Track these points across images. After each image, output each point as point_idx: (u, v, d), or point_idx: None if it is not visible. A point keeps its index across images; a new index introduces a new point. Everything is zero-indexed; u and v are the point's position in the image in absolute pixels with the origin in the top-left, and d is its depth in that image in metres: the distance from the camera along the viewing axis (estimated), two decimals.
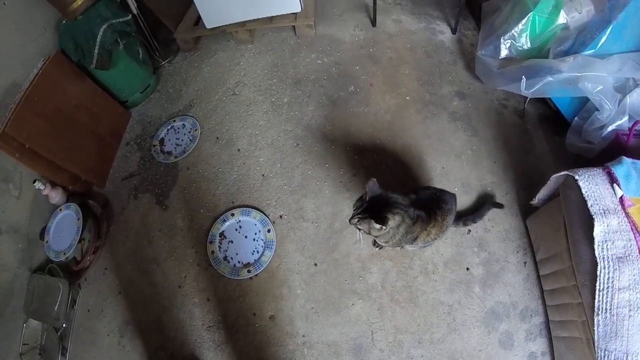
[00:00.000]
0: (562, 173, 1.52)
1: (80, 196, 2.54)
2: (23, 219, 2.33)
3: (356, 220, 1.55)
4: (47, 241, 2.29)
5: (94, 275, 2.33)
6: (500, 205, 2.11)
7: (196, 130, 2.74)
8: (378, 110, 2.59)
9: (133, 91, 2.94)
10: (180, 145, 2.71)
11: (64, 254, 2.20)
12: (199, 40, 3.32)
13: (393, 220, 1.51)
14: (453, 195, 1.79)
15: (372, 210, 1.53)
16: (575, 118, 2.16)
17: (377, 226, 1.47)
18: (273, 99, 2.78)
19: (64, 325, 2.12)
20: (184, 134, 2.76)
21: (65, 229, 2.31)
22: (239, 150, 2.58)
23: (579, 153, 2.12)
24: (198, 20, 3.18)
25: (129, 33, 2.68)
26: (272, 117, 2.69)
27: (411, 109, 2.58)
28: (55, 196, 2.39)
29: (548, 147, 2.32)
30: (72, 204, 2.36)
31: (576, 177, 1.42)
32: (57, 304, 2.11)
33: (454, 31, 3.01)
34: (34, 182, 2.28)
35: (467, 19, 3.09)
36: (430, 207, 1.67)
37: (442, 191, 1.76)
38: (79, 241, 2.25)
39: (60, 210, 2.37)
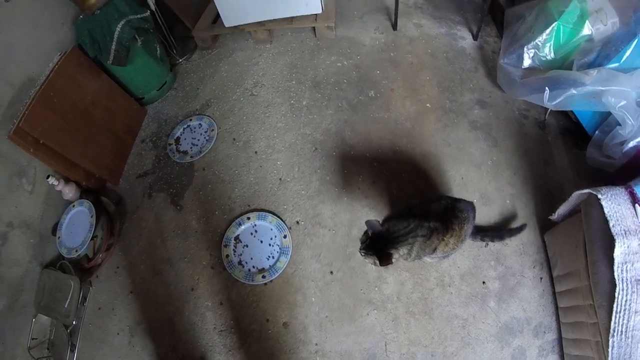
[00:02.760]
0: (585, 191, 1.55)
1: (93, 193, 2.59)
2: (36, 214, 2.37)
3: (362, 253, 1.62)
4: (59, 237, 2.34)
5: (105, 272, 2.38)
6: (521, 230, 2.11)
7: (213, 130, 2.79)
8: (398, 116, 2.62)
9: (150, 88, 2.99)
10: (197, 145, 2.76)
11: (76, 250, 2.25)
12: (217, 39, 3.37)
13: (398, 254, 1.58)
14: (470, 204, 1.81)
15: (376, 246, 1.58)
16: (597, 132, 2.17)
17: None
18: (292, 102, 2.82)
19: (73, 322, 2.17)
20: (201, 134, 2.81)
21: (78, 226, 2.36)
22: (256, 152, 2.62)
23: (599, 167, 2.13)
24: (216, 18, 3.23)
25: (146, 29, 2.73)
26: (290, 119, 2.73)
27: (431, 116, 2.61)
28: (69, 192, 2.44)
29: (568, 160, 2.34)
30: (85, 200, 2.41)
31: (599, 196, 1.44)
32: (68, 300, 2.16)
33: (475, 37, 3.03)
34: (48, 177, 2.33)
35: (489, 25, 3.12)
36: (446, 217, 1.70)
37: (457, 200, 1.79)
38: (92, 238, 2.29)
39: (74, 206, 2.42)
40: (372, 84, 2.82)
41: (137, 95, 2.97)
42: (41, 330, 2.20)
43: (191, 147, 2.76)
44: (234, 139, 2.72)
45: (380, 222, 1.66)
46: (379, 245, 1.60)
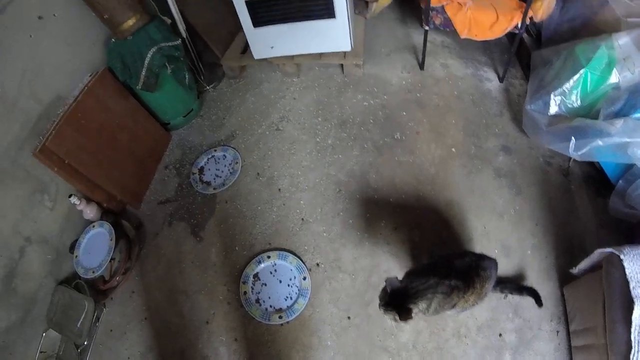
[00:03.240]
0: (608, 250, 1.54)
1: (114, 214, 2.62)
2: (55, 231, 2.40)
3: (382, 310, 1.63)
4: (76, 255, 2.36)
5: (120, 295, 2.39)
6: (538, 299, 2.08)
7: (237, 163, 2.81)
8: (423, 161, 2.63)
9: (176, 114, 3.03)
10: (220, 177, 2.78)
11: (93, 272, 2.27)
12: (244, 68, 3.41)
13: (417, 308, 1.58)
14: (493, 261, 1.80)
15: (395, 302, 1.59)
16: (620, 181, 2.16)
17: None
18: (317, 139, 2.85)
19: (85, 342, 2.18)
20: (225, 166, 2.83)
21: (96, 246, 2.38)
22: (279, 190, 2.64)
23: (622, 218, 2.11)
24: (246, 47, 3.28)
25: (177, 57, 2.76)
26: (315, 158, 2.75)
27: (456, 161, 2.61)
28: (90, 212, 2.46)
29: (591, 209, 2.32)
30: (105, 222, 2.43)
31: (621, 257, 1.44)
32: (81, 321, 2.18)
33: (501, 79, 3.05)
34: (70, 196, 2.35)
35: (515, 66, 3.13)
36: (468, 274, 1.69)
37: (481, 258, 1.78)
38: (109, 261, 2.31)
39: (93, 226, 2.45)
40: (398, 125, 2.84)
41: (163, 120, 3.01)
42: (50, 345, 2.21)
43: (214, 179, 2.78)
44: (258, 174, 2.75)
45: (403, 275, 1.68)
46: (398, 301, 1.60)
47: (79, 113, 2.34)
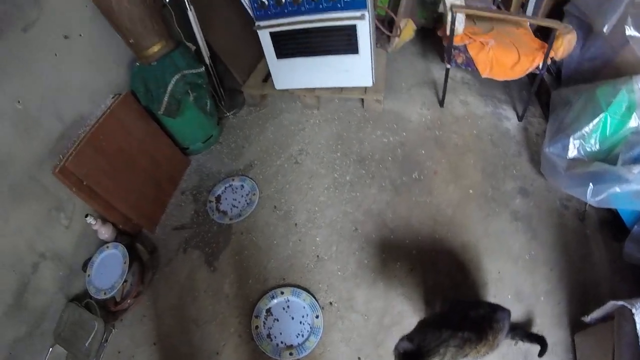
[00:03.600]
0: (620, 303, 1.53)
1: (129, 236, 2.64)
2: (69, 249, 2.42)
3: None
4: (89, 274, 2.38)
5: (131, 318, 2.40)
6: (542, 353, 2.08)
7: (254, 194, 2.83)
8: (440, 202, 2.64)
9: (195, 140, 3.07)
10: (237, 207, 2.80)
11: (105, 293, 2.29)
12: (265, 97, 3.46)
13: None
14: (507, 312, 1.80)
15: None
16: (635, 226, 2.15)
17: None
18: (335, 175, 2.86)
19: None
20: (242, 196, 2.85)
21: (109, 267, 2.39)
22: (296, 224, 2.65)
23: (637, 264, 2.10)
24: (267, 76, 3.32)
25: (200, 85, 2.81)
26: (333, 194, 2.77)
27: (473, 203, 2.61)
28: (105, 232, 2.49)
29: (606, 254, 2.31)
30: (120, 244, 2.45)
31: (633, 311, 1.43)
32: (89, 340, 2.19)
33: (520, 118, 3.06)
34: (86, 216, 2.38)
35: (533, 104, 3.14)
36: (481, 326, 1.69)
37: (495, 309, 1.78)
38: (122, 283, 2.33)
39: (108, 247, 2.46)
40: (417, 164, 2.85)
41: (182, 145, 3.05)
42: (55, 359, 2.22)
43: (231, 209, 2.80)
44: (275, 207, 2.76)
45: (416, 322, 1.69)
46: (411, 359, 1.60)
47: (101, 135, 2.38)
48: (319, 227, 2.62)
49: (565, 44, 2.53)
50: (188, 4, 2.75)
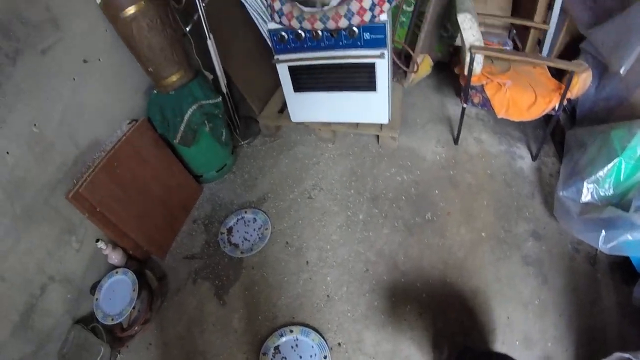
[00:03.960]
0: (626, 355, 1.54)
1: (138, 262, 2.67)
2: (78, 272, 2.43)
3: None
4: (96, 298, 2.39)
5: (137, 345, 2.41)
6: None
7: (267, 229, 2.84)
8: (452, 244, 2.64)
9: (209, 168, 3.10)
10: (249, 241, 2.81)
11: (112, 319, 2.30)
12: (280, 127, 3.48)
13: None
14: None
15: None
16: None
17: None
18: (349, 213, 2.87)
19: None
20: (254, 230, 2.87)
21: (117, 293, 2.41)
22: (307, 262, 2.66)
23: None
24: (283, 107, 3.36)
25: (216, 115, 2.85)
26: (345, 233, 2.77)
27: (485, 246, 2.61)
28: (115, 257, 2.50)
29: (616, 298, 2.30)
30: (129, 270, 2.47)
31: None
32: None
33: (534, 158, 3.07)
34: (97, 241, 2.39)
35: (547, 142, 3.15)
36: None
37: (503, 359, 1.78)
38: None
39: (117, 272, 2.48)
40: (430, 204, 2.86)
41: (195, 172, 3.07)
42: None
43: (243, 242, 2.81)
44: (287, 243, 2.77)
45: None
46: None
47: (115, 162, 2.40)
48: (331, 266, 2.62)
49: (581, 83, 2.55)
50: (208, 33, 2.79)
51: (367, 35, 2.57)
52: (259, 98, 3.43)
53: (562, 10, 2.97)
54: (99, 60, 2.42)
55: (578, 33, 2.96)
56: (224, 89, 3.08)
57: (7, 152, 1.95)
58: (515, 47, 3.57)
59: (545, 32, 3.10)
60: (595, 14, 2.78)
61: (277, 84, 3.17)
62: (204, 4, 2.66)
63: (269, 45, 2.87)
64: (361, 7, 2.38)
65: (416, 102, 3.59)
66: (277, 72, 2.96)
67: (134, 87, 2.72)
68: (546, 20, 3.07)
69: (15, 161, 1.98)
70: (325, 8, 2.46)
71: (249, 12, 2.82)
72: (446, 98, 3.65)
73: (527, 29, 3.24)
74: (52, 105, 2.16)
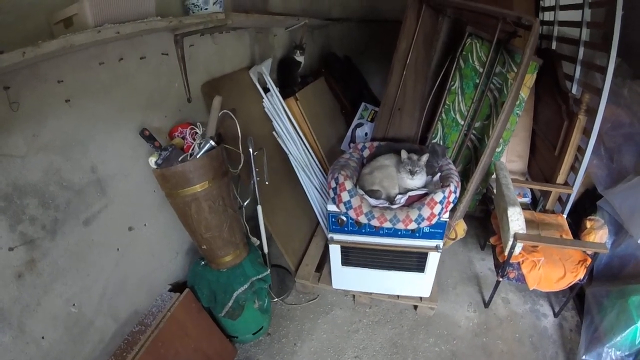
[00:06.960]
0: None
1: None
2: None
3: None
4: None
5: None
6: None
7: None
8: None
9: (246, 332, 3.10)
10: None
11: None
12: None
13: None
14: None
15: None
16: None
17: None
18: None
19: None
20: None
21: None
22: None
23: None
24: (320, 264, 3.48)
25: (264, 289, 2.91)
26: None
27: None
28: None
29: None
30: None
31: None
32: None
33: (556, 315, 3.28)
34: None
35: (565, 294, 3.34)
36: None
37: None
38: None
39: None
40: None
41: (231, 334, 3.07)
42: None
43: None
44: None
45: None
46: None
47: (160, 342, 2.33)
48: None
49: (597, 240, 2.93)
50: (258, 199, 2.90)
51: (426, 229, 2.77)
52: (294, 251, 3.51)
53: None
54: (145, 225, 2.40)
55: (593, 185, 3.33)
56: (266, 249, 3.14)
57: (43, 337, 1.77)
58: (534, 199, 3.86)
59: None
60: (612, 174, 3.16)
61: (310, 236, 3.28)
62: (256, 170, 2.77)
63: (306, 195, 2.98)
64: (432, 213, 2.58)
65: (444, 259, 3.77)
66: (311, 221, 3.06)
67: (175, 248, 2.73)
68: (567, 180, 3.44)
69: (50, 345, 1.80)
70: (395, 207, 2.63)
71: (304, 187, 2.95)
72: (470, 253, 3.87)
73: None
74: (93, 282, 2.03)
